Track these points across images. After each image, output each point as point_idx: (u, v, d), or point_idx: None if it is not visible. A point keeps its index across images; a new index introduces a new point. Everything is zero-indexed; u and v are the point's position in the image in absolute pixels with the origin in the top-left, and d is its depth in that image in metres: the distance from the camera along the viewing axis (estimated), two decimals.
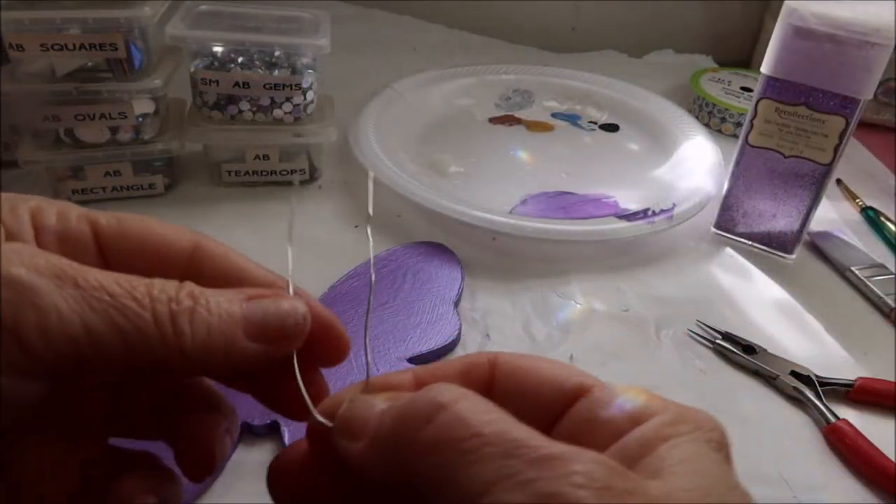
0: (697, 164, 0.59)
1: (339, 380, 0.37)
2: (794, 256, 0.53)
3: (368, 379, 0.21)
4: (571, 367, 0.21)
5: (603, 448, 0.19)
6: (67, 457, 0.20)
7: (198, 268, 0.22)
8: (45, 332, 0.16)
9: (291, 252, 0.22)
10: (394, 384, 0.21)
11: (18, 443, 0.19)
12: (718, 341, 0.44)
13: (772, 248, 0.53)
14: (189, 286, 0.19)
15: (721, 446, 0.19)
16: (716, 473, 0.18)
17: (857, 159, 0.69)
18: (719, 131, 0.71)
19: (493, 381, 0.22)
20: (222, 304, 0.19)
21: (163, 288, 0.18)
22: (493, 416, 0.17)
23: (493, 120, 0.68)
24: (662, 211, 0.52)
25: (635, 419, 0.19)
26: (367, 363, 0.22)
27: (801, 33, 0.45)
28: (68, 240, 0.21)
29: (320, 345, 0.22)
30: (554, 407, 0.20)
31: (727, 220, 0.54)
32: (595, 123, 0.68)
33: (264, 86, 0.51)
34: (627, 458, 0.18)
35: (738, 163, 0.52)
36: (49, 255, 0.18)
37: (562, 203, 0.56)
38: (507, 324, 0.45)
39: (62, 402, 0.20)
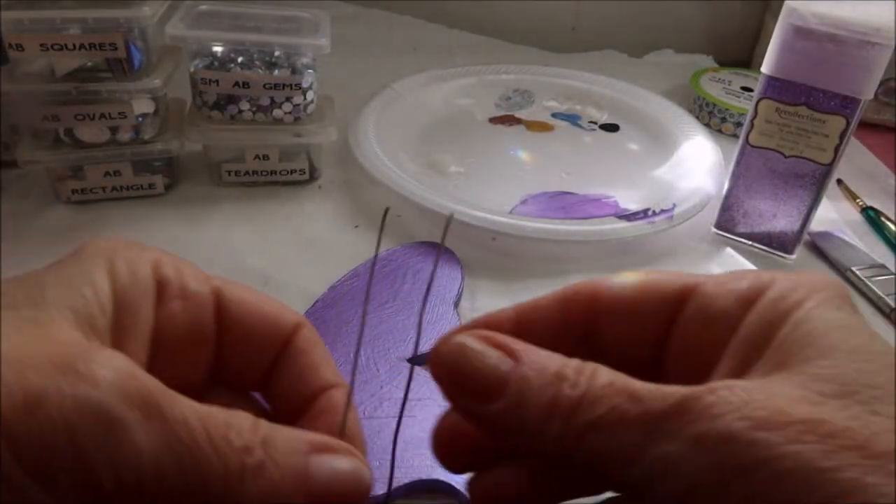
0: (698, 164, 0.59)
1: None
2: (794, 256, 0.53)
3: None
4: (676, 272, 0.21)
5: (725, 344, 0.18)
6: None
7: (288, 355, 0.22)
8: (118, 473, 0.15)
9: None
10: (494, 324, 0.21)
11: None
12: None
13: (772, 248, 0.53)
14: (264, 428, 0.18)
15: (845, 301, 0.18)
16: (858, 333, 0.17)
17: (857, 159, 0.69)
18: (719, 131, 0.71)
19: (594, 309, 0.21)
20: (290, 458, 0.18)
21: (240, 431, 0.17)
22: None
23: (493, 120, 0.67)
24: (663, 211, 0.52)
25: (747, 301, 0.18)
26: (355, 366, 0.22)
27: (802, 33, 0.45)
28: (189, 297, 0.20)
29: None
30: (664, 316, 0.20)
31: (727, 220, 0.54)
32: (595, 123, 0.68)
33: (264, 86, 0.51)
34: (754, 347, 0.17)
35: (738, 163, 0.52)
36: (142, 378, 0.17)
37: (562, 203, 0.56)
38: None
39: None
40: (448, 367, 0.19)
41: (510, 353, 0.18)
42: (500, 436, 0.19)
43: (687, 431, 0.16)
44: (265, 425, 0.18)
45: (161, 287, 0.20)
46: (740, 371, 0.18)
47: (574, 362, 0.18)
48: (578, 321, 0.21)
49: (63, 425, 0.15)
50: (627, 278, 0.22)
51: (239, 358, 0.22)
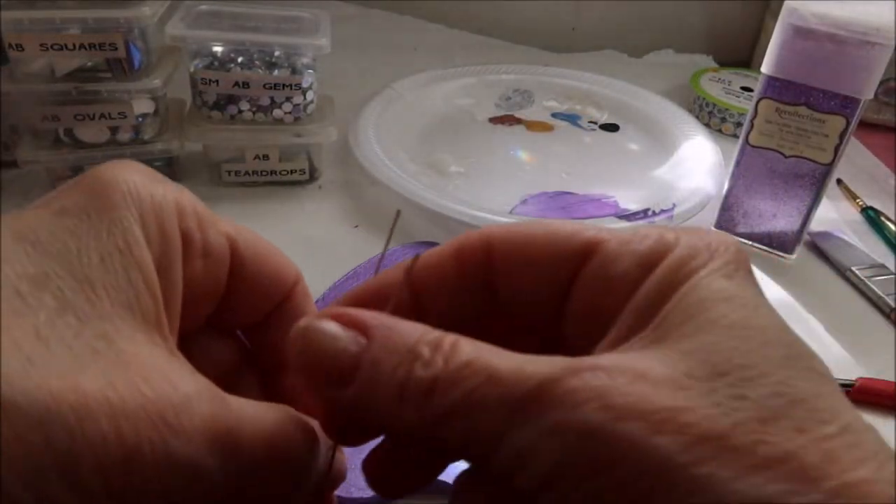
0: (697, 164, 0.59)
1: None
2: (794, 256, 0.53)
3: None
4: (578, 224, 0.19)
5: (620, 309, 0.17)
6: None
7: (287, 302, 0.22)
8: None
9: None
10: (380, 287, 0.21)
11: None
12: None
13: (772, 248, 0.53)
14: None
15: (740, 267, 0.17)
16: (741, 306, 0.16)
17: (857, 159, 0.69)
18: (719, 131, 0.71)
19: (490, 260, 0.19)
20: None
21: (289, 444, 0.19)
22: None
23: (493, 120, 0.67)
24: (663, 211, 0.52)
25: (648, 265, 0.17)
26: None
27: (802, 33, 0.45)
28: (209, 254, 0.20)
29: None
30: (564, 273, 0.18)
31: (727, 220, 0.54)
32: (595, 123, 0.68)
33: (264, 86, 0.51)
34: (642, 316, 0.16)
35: (738, 163, 0.52)
36: (222, 417, 0.17)
37: (562, 203, 0.56)
38: None
39: None
40: (298, 352, 0.17)
41: (363, 331, 0.17)
42: (361, 422, 0.19)
43: (543, 420, 0.14)
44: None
45: (186, 243, 0.19)
46: (624, 340, 0.17)
47: (433, 335, 0.16)
48: (474, 273, 0.20)
49: (157, 482, 0.15)
50: (521, 227, 0.19)
51: (242, 306, 0.22)
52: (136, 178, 0.18)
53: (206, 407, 0.16)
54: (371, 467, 0.20)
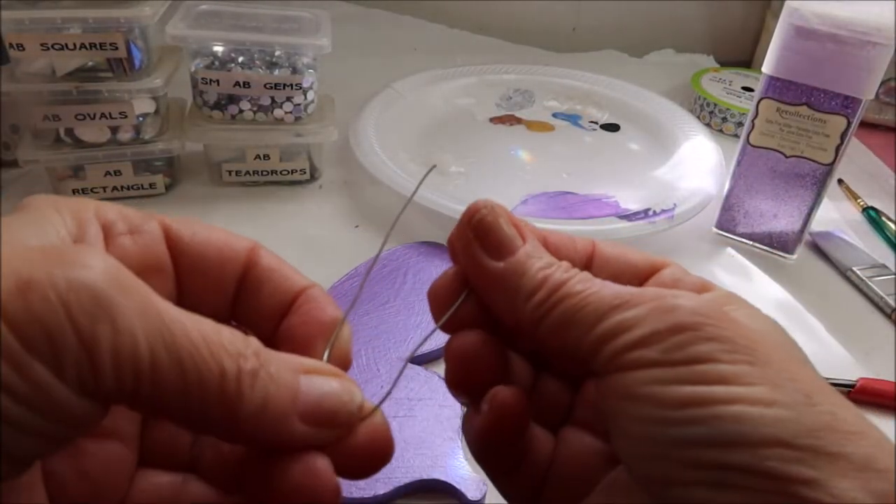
0: (698, 164, 0.59)
1: None
2: (795, 256, 0.53)
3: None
4: (645, 253, 0.24)
5: None
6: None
7: (252, 274, 0.22)
8: (117, 355, 0.15)
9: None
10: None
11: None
12: None
13: (773, 248, 0.53)
14: (254, 343, 0.18)
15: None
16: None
17: (858, 159, 0.69)
18: (720, 131, 0.71)
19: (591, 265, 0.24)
20: (282, 372, 0.18)
21: (231, 340, 0.17)
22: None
23: (494, 120, 0.67)
24: (663, 211, 0.52)
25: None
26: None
27: (803, 33, 0.45)
28: (136, 231, 0.20)
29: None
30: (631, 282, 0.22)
31: (728, 220, 0.54)
32: (596, 123, 0.68)
33: (265, 85, 0.51)
34: None
35: (739, 163, 0.52)
36: (132, 276, 0.16)
37: (562, 203, 0.56)
38: None
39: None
40: (478, 217, 0.22)
41: (522, 236, 0.22)
42: (493, 297, 0.22)
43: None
44: (255, 341, 0.18)
45: (107, 227, 0.20)
46: None
47: (564, 263, 0.21)
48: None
49: (59, 303, 0.15)
50: (617, 249, 0.25)
51: (201, 288, 0.21)
52: (54, 196, 0.19)
53: (112, 259, 0.17)
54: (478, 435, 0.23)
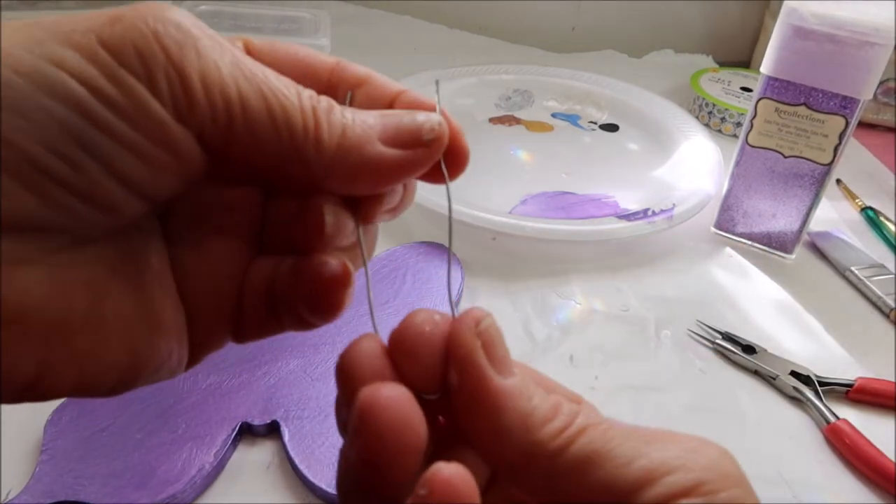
0: (697, 164, 0.59)
1: None
2: (793, 256, 0.53)
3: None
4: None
5: None
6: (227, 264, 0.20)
7: (340, 82, 0.22)
8: (205, 79, 0.16)
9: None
10: None
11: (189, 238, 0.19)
12: (718, 341, 0.44)
13: (772, 247, 0.53)
14: (328, 98, 0.19)
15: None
16: None
17: (856, 159, 0.69)
18: (719, 131, 0.71)
19: None
20: (358, 114, 0.19)
21: (306, 88, 0.18)
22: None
23: (493, 120, 0.68)
24: (662, 211, 0.52)
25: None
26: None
27: (801, 33, 0.45)
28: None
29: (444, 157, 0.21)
30: None
31: (727, 220, 0.54)
32: (595, 123, 0.68)
33: None
34: None
35: (738, 163, 0.52)
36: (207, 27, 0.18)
37: (562, 203, 0.56)
38: (507, 324, 0.45)
39: (213, 205, 0.20)
40: (485, 324, 0.18)
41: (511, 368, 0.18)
42: (490, 421, 0.18)
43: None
44: (330, 98, 0.19)
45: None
46: None
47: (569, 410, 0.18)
48: None
49: (148, 30, 0.16)
50: None
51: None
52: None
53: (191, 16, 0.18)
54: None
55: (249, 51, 0.21)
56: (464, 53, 0.82)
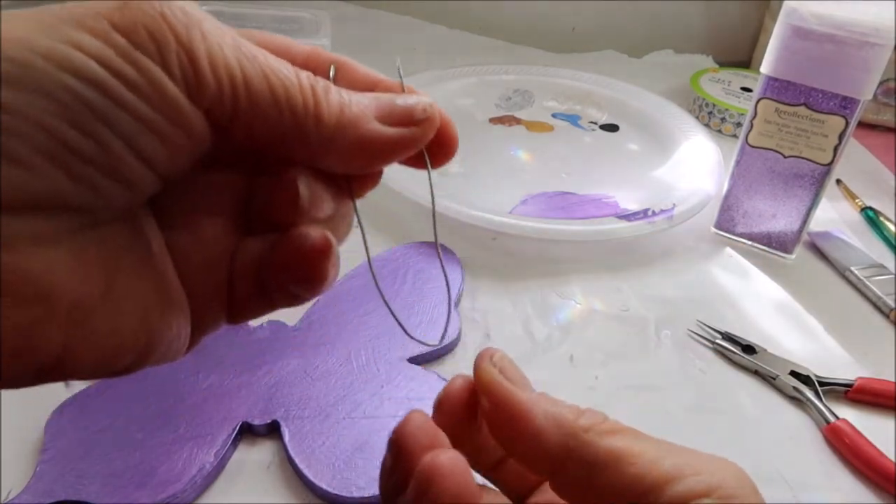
0: (697, 165, 0.59)
1: (340, 380, 0.37)
2: (793, 256, 0.53)
3: None
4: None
5: None
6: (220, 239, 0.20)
7: (318, 70, 0.22)
8: (212, 59, 0.17)
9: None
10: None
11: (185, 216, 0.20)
12: (718, 341, 0.44)
13: (772, 247, 0.53)
14: (323, 79, 0.20)
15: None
16: None
17: (856, 159, 0.69)
18: (719, 131, 0.71)
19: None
20: (353, 94, 0.20)
21: (298, 69, 0.19)
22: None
23: (493, 120, 0.68)
24: (662, 211, 0.52)
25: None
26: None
27: (801, 33, 0.45)
28: None
29: (432, 142, 0.22)
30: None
31: (727, 220, 0.54)
32: (595, 123, 0.68)
33: None
34: None
35: (738, 163, 0.52)
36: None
37: (562, 203, 0.56)
38: (507, 324, 0.45)
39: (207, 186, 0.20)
40: (498, 355, 0.22)
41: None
42: (523, 427, 0.21)
43: None
44: (324, 80, 0.20)
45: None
46: None
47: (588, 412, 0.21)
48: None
49: (157, 13, 0.16)
50: None
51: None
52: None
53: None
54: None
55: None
56: (464, 53, 0.82)
